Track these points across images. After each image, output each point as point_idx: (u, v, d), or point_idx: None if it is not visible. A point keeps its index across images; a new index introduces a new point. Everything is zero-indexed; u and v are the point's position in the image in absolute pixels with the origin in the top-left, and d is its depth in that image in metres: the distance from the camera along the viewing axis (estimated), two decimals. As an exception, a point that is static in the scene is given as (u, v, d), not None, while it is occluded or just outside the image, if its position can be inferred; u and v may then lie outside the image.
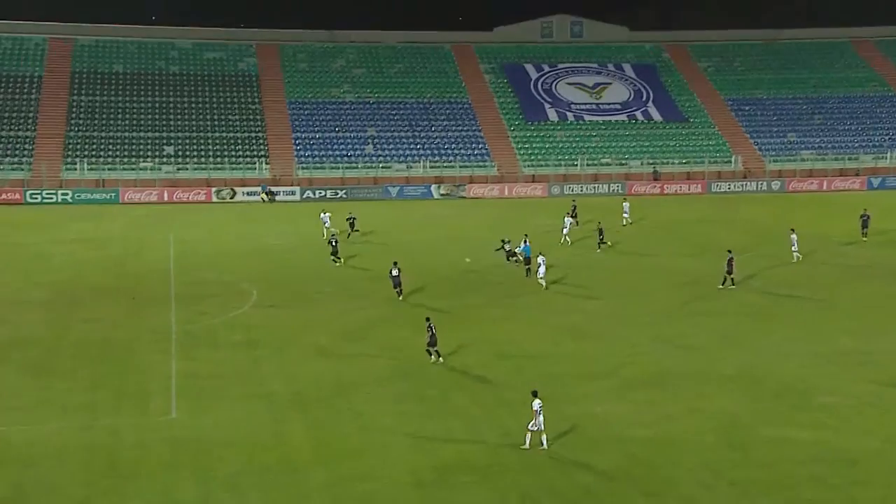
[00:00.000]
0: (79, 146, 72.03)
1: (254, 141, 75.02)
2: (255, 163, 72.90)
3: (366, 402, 29.31)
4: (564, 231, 52.57)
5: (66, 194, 66.95)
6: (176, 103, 77.38)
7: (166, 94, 78.06)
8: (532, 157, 77.47)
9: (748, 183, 75.45)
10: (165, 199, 68.01)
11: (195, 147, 73.72)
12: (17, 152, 70.62)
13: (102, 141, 72.96)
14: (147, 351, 34.08)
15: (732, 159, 78.16)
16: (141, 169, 70.77)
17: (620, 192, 73.42)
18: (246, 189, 69.12)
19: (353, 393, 30.11)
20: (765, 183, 75.41)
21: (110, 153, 72.01)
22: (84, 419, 27.68)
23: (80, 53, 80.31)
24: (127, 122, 74.81)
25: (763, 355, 33.51)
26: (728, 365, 32.42)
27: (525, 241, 46.58)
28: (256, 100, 78.96)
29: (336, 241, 48.07)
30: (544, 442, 25.85)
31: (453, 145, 77.68)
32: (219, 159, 72.87)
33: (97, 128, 73.83)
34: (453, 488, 23.78)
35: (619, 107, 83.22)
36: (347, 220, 53.97)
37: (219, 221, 58.88)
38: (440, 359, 32.85)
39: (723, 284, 42.88)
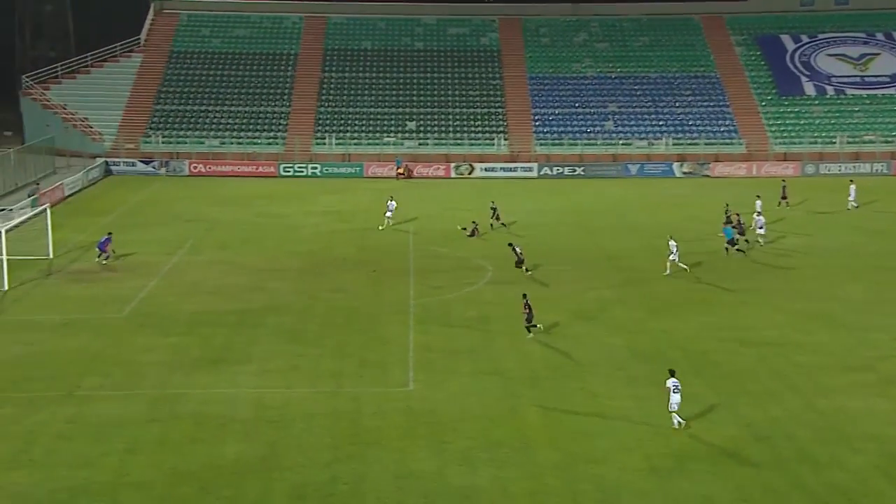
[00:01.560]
0: (328, 121, 75.95)
1: (493, 116, 76.22)
2: (493, 139, 74.12)
3: (600, 383, 29.35)
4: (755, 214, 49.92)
5: (316, 168, 70.82)
6: (419, 79, 79.83)
7: (410, 69, 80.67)
8: (784, 134, 73.87)
9: None
10: (402, 173, 70.43)
11: (436, 122, 75.86)
12: (272, 127, 75.45)
13: (349, 116, 76.54)
14: (387, 322, 35.66)
15: None
16: (384, 144, 73.68)
17: (885, 172, 68.69)
18: (376, 165, 70.21)
19: (586, 374, 30.24)
20: None
21: (356, 128, 75.41)
22: (330, 385, 29.48)
23: (333, 31, 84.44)
24: (373, 97, 78.03)
25: None
26: None
27: (728, 223, 45.49)
28: (497, 75, 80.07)
29: (476, 228, 48.24)
30: (676, 420, 25.68)
31: (698, 121, 75.45)
32: (458, 135, 74.62)
33: (345, 103, 77.51)
34: (691, 477, 23.44)
35: (887, 79, 77.60)
36: (491, 207, 51.71)
37: (456, 197, 60.45)
38: (539, 326, 33.86)
39: None
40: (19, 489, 22.99)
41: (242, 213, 56.63)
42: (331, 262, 44.91)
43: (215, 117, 75.67)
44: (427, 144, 73.73)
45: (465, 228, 49.96)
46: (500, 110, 76.84)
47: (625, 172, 70.43)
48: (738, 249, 44.88)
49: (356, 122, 76.00)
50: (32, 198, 55.01)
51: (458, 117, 76.31)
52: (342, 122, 75.95)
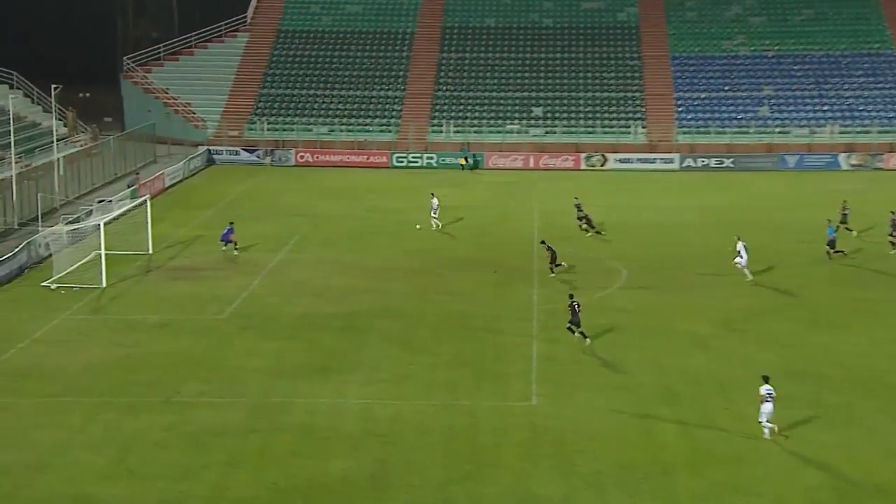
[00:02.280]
0: (445, 107, 76.54)
1: (629, 101, 75.48)
2: (629, 126, 73.41)
3: (749, 403, 28.81)
4: None
5: (431, 158, 71.44)
6: (547, 60, 79.66)
7: (537, 49, 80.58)
8: (974, 121, 70.94)
9: None
10: (531, 165, 70.36)
11: (565, 108, 75.59)
12: (385, 113, 76.50)
13: (469, 101, 76.92)
14: (507, 330, 35.80)
15: None
16: (507, 132, 73.79)
17: None
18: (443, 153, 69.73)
19: (733, 392, 29.73)
20: None
21: (476, 114, 75.76)
22: (445, 398, 29.74)
23: (453, 7, 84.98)
24: (495, 80, 78.21)
25: None
26: None
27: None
28: (635, 55, 79.25)
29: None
30: (766, 429, 25.97)
31: (870, 106, 73.03)
32: (590, 122, 74.17)
33: (464, 87, 77.92)
34: (857, 515, 22.80)
35: None
36: (575, 204, 50.39)
37: (587, 191, 60.11)
38: (586, 340, 33.51)
39: None
40: (117, 502, 24.02)
41: (352, 207, 57.65)
42: (446, 262, 45.35)
43: (324, 102, 77.20)
44: (555, 132, 73.53)
45: (584, 227, 49.58)
46: (637, 94, 76.00)
47: (781, 165, 68.73)
48: (836, 251, 44.17)
49: (476, 107, 76.34)
50: (132, 188, 57.32)
51: (590, 102, 75.85)
52: (461, 107, 76.41)
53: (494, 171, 69.13)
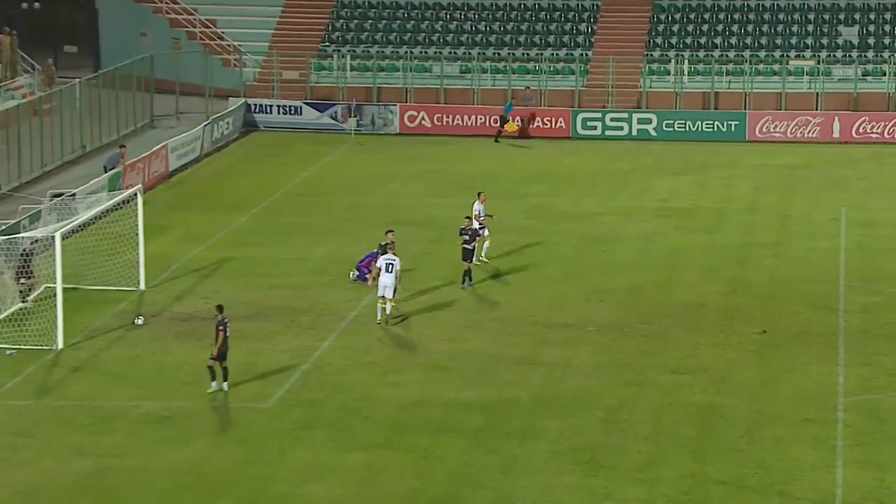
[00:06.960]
0: (674, 26, 76.04)
1: None
2: None
3: None
4: None
5: (648, 121, 71.15)
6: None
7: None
8: None
9: None
10: (834, 135, 69.53)
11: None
12: (563, 40, 76.30)
13: (713, 13, 76.23)
14: (787, 440, 35.46)
15: None
16: (794, 71, 72.97)
17: None
18: None
19: None
20: None
21: (731, 39, 75.04)
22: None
23: None
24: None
25: None
26: None
27: None
28: None
29: None
30: None
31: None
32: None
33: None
34: None
35: None
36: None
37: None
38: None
39: None
40: None
41: (503, 208, 57.58)
42: (673, 313, 45.37)
43: (454, 20, 77.39)
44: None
45: None
46: None
47: None
48: None
49: (727, 26, 75.72)
50: (112, 172, 58.24)
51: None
52: (702, 23, 75.91)
53: (766, 146, 68.74)
